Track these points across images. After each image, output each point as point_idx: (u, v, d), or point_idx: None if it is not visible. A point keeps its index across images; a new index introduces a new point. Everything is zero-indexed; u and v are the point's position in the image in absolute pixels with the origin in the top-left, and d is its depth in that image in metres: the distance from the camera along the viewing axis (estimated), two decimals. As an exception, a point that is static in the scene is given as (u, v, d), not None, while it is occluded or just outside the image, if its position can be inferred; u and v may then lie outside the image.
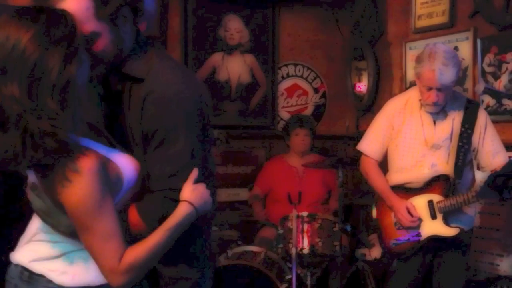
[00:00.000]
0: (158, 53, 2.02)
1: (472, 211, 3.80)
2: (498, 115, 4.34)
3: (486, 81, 4.52)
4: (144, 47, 2.00)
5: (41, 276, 1.81)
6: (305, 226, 4.37)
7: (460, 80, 3.62)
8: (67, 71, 1.63)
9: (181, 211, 1.92)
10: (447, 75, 3.45)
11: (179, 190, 1.96)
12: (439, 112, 3.65)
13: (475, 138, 3.64)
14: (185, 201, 1.94)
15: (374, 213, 3.95)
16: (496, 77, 4.52)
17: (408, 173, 3.73)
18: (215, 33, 5.78)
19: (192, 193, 1.96)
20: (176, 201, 1.95)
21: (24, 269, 1.83)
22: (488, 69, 4.58)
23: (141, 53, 1.97)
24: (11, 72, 1.60)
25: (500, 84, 4.50)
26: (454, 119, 3.66)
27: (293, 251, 4.24)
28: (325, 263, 4.59)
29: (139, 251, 1.77)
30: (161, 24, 5.38)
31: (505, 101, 4.45)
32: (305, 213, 4.41)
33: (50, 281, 1.80)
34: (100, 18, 1.80)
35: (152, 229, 1.87)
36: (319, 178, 5.21)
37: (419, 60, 3.58)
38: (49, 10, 1.69)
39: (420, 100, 3.65)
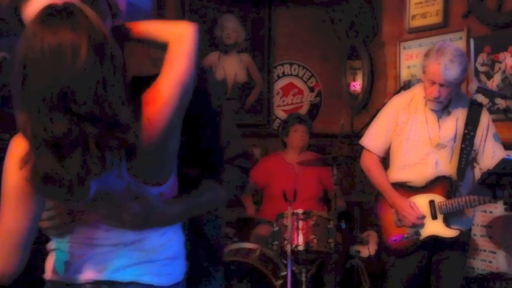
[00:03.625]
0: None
1: (471, 212, 3.80)
2: (491, 114, 4.33)
3: (479, 81, 4.55)
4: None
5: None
6: (300, 223, 4.41)
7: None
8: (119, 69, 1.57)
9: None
10: (452, 72, 3.46)
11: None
12: (443, 111, 3.66)
13: (477, 140, 3.64)
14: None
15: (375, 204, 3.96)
16: (489, 76, 4.56)
17: (411, 170, 3.72)
18: (211, 33, 5.81)
19: None
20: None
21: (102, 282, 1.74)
22: (481, 69, 4.62)
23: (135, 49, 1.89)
24: (82, 91, 1.48)
25: (493, 84, 4.53)
26: (458, 119, 3.66)
27: (288, 248, 4.27)
28: (320, 260, 4.62)
29: None
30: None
31: (498, 100, 4.48)
32: (300, 211, 4.44)
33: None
34: (85, 1, 1.66)
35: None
36: (315, 176, 5.25)
37: (427, 54, 3.59)
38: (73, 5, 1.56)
39: (424, 97, 3.66)
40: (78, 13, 1.52)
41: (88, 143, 1.49)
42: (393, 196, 3.73)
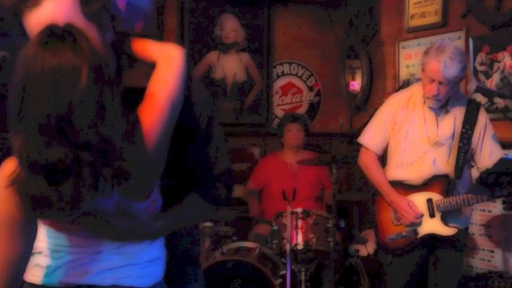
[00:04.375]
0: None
1: (469, 211, 3.81)
2: (490, 114, 4.35)
3: (478, 80, 4.57)
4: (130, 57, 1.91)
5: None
6: (299, 222, 4.42)
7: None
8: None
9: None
10: (451, 69, 3.45)
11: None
12: (441, 109, 3.65)
13: (475, 139, 3.64)
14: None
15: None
16: (488, 76, 4.58)
17: (408, 168, 3.71)
18: (211, 32, 5.82)
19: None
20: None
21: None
22: (480, 68, 4.64)
23: (131, 63, 1.88)
24: (81, 117, 1.46)
25: (492, 83, 4.55)
26: (456, 118, 3.66)
27: (288, 247, 4.28)
28: (319, 259, 4.63)
29: None
30: (158, 23, 5.42)
31: (497, 100, 4.50)
32: (299, 210, 4.45)
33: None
34: (87, 16, 1.68)
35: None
36: (313, 175, 5.26)
37: (426, 52, 3.58)
38: (75, 27, 1.56)
39: (423, 96, 3.65)
40: (79, 36, 1.53)
41: (82, 170, 1.48)
42: (391, 194, 3.72)
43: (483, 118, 3.68)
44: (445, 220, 3.65)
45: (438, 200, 3.64)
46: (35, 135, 1.46)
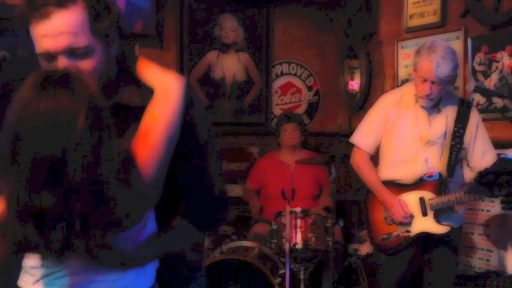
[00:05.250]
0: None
1: (462, 209, 3.82)
2: (488, 113, 4.40)
3: (477, 80, 4.57)
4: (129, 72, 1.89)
5: None
6: (299, 222, 4.43)
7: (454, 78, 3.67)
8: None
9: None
10: (443, 69, 3.47)
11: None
12: (433, 108, 3.67)
13: (467, 138, 3.66)
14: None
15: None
16: (486, 75, 4.58)
17: (401, 167, 3.73)
18: (210, 32, 5.83)
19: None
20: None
21: None
22: (479, 68, 4.64)
23: (131, 79, 1.86)
24: (74, 162, 1.43)
25: (490, 83, 4.56)
26: (448, 117, 3.67)
27: (287, 246, 4.29)
28: (318, 258, 4.64)
29: None
30: (157, 23, 5.42)
31: (495, 99, 4.50)
32: (298, 209, 4.46)
33: None
34: (95, 33, 1.68)
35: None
36: (311, 175, 5.27)
37: (418, 51, 3.60)
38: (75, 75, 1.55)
39: (415, 95, 3.67)
40: (76, 81, 1.51)
41: (73, 218, 1.46)
42: (383, 193, 3.75)
43: (475, 117, 3.70)
44: (438, 218, 3.67)
45: (430, 199, 3.66)
46: (26, 180, 1.43)
